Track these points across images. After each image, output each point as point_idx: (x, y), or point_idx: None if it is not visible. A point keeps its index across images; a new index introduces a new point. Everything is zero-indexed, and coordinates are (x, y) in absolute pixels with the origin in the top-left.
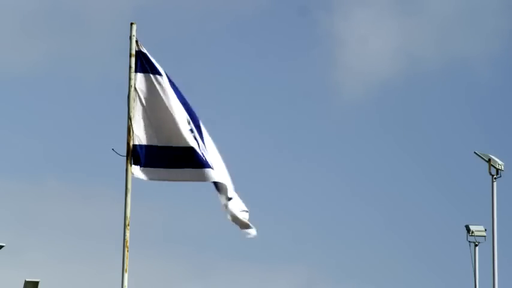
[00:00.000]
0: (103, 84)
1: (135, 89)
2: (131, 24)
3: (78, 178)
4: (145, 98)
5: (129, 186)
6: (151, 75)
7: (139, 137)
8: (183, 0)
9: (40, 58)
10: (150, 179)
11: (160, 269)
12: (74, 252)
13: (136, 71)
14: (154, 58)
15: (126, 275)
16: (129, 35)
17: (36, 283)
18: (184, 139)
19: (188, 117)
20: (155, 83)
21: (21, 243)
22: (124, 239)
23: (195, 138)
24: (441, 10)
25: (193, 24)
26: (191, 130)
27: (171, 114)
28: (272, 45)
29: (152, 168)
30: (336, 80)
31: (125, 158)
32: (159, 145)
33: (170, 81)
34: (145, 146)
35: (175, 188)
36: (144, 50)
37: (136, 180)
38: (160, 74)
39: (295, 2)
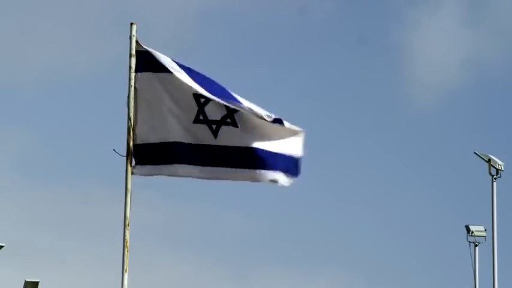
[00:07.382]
0: None
1: (135, 89)
2: (131, 24)
3: (78, 178)
4: (147, 97)
5: (129, 186)
6: (153, 74)
7: (144, 136)
8: (245, 3)
9: (101, 60)
10: (150, 174)
11: (194, 271)
12: (74, 252)
13: (137, 71)
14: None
15: (126, 275)
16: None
17: (36, 283)
18: (186, 134)
19: (211, 96)
20: (157, 81)
21: (21, 243)
22: (124, 239)
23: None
24: (510, 19)
25: (252, 30)
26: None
27: (177, 111)
28: (340, 56)
29: (154, 166)
30: (405, 90)
31: (125, 158)
32: (158, 142)
33: (183, 67)
34: (148, 144)
35: (213, 188)
36: (147, 49)
37: (136, 180)
38: (164, 71)
39: (365, 12)
